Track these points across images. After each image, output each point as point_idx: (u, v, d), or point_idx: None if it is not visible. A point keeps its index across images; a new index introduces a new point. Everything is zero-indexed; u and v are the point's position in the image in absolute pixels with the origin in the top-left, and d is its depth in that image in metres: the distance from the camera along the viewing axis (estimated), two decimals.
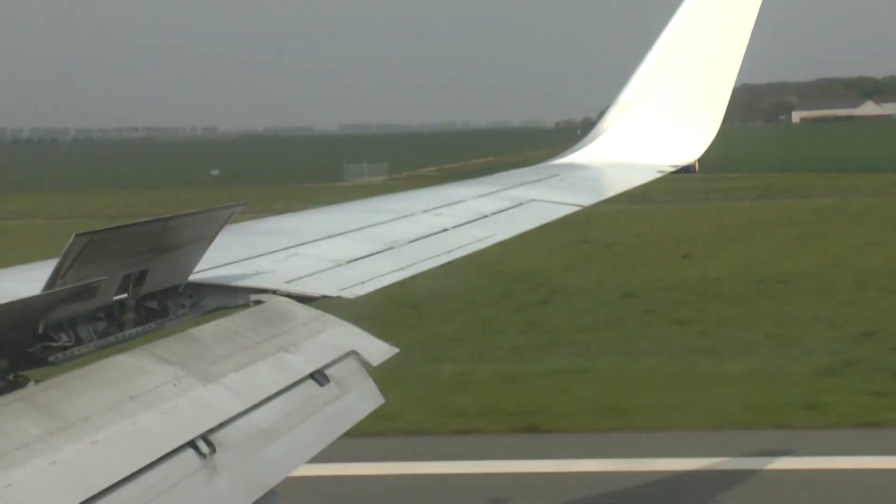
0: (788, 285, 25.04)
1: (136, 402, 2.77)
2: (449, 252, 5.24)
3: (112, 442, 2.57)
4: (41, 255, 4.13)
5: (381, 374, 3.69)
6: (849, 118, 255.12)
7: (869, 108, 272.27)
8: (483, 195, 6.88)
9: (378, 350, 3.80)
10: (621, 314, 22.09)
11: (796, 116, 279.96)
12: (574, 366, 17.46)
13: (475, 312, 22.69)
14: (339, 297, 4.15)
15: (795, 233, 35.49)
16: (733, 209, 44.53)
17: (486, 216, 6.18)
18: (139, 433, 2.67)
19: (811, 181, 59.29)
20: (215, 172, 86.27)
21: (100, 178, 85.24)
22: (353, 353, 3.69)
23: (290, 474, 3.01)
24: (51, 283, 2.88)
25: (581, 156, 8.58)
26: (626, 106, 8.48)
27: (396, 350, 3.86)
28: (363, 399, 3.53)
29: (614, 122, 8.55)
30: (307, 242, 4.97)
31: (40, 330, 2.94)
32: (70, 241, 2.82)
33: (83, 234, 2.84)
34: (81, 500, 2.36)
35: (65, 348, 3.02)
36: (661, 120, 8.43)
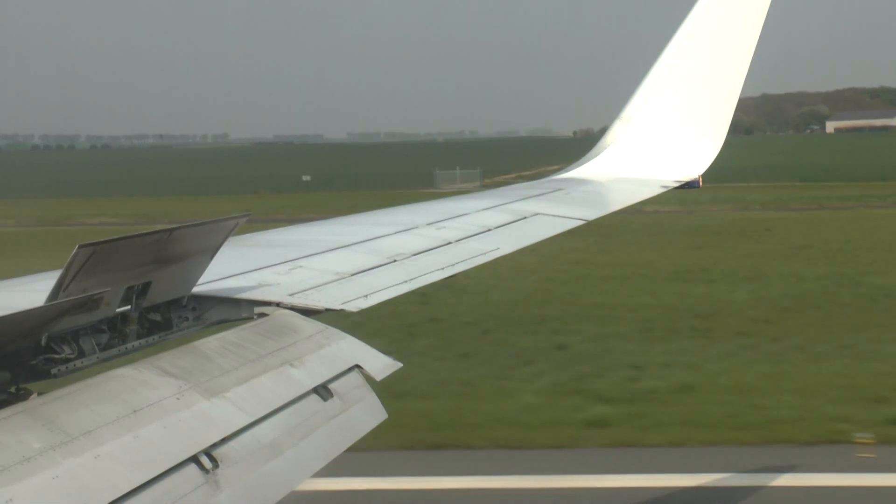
0: None
1: (139, 416, 2.74)
2: (452, 265, 5.21)
3: (115, 456, 2.55)
4: None
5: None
6: (885, 128, 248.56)
7: None
8: (487, 208, 6.87)
9: (382, 364, 3.77)
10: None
11: (830, 126, 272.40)
12: None
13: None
14: (342, 310, 4.13)
15: None
16: None
17: (489, 229, 6.16)
18: (142, 447, 2.64)
19: None
20: (307, 178, 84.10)
21: (182, 183, 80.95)
22: (357, 367, 3.67)
23: (294, 489, 2.98)
24: (54, 294, 2.86)
25: (585, 170, 8.58)
26: (630, 121, 8.49)
27: (400, 364, 3.83)
28: (367, 414, 3.50)
29: (618, 137, 8.56)
30: (311, 255, 4.95)
31: (43, 342, 2.92)
32: (73, 251, 2.79)
33: (86, 245, 2.81)
34: None
35: (67, 360, 2.99)
36: (664, 135, 8.42)
